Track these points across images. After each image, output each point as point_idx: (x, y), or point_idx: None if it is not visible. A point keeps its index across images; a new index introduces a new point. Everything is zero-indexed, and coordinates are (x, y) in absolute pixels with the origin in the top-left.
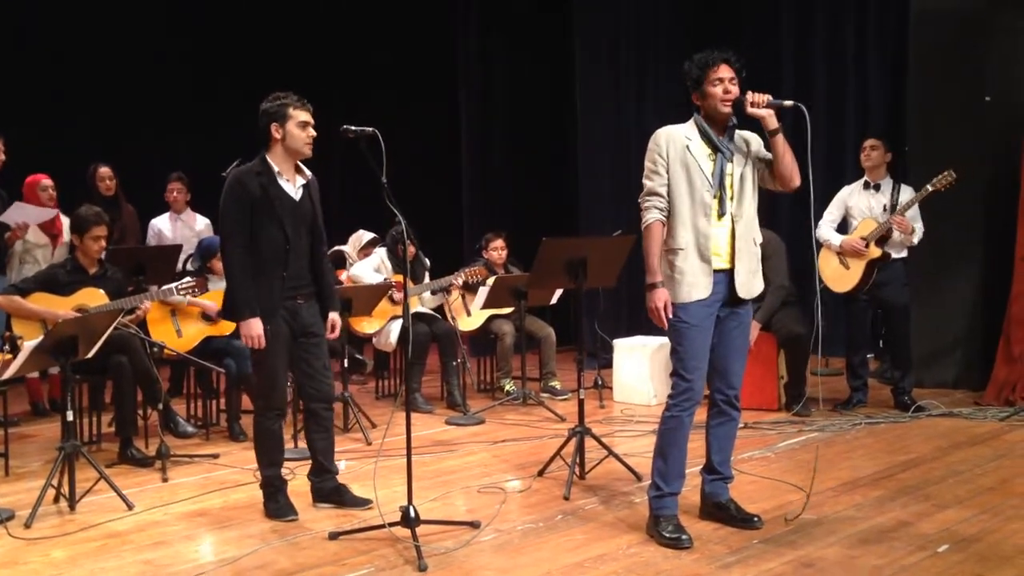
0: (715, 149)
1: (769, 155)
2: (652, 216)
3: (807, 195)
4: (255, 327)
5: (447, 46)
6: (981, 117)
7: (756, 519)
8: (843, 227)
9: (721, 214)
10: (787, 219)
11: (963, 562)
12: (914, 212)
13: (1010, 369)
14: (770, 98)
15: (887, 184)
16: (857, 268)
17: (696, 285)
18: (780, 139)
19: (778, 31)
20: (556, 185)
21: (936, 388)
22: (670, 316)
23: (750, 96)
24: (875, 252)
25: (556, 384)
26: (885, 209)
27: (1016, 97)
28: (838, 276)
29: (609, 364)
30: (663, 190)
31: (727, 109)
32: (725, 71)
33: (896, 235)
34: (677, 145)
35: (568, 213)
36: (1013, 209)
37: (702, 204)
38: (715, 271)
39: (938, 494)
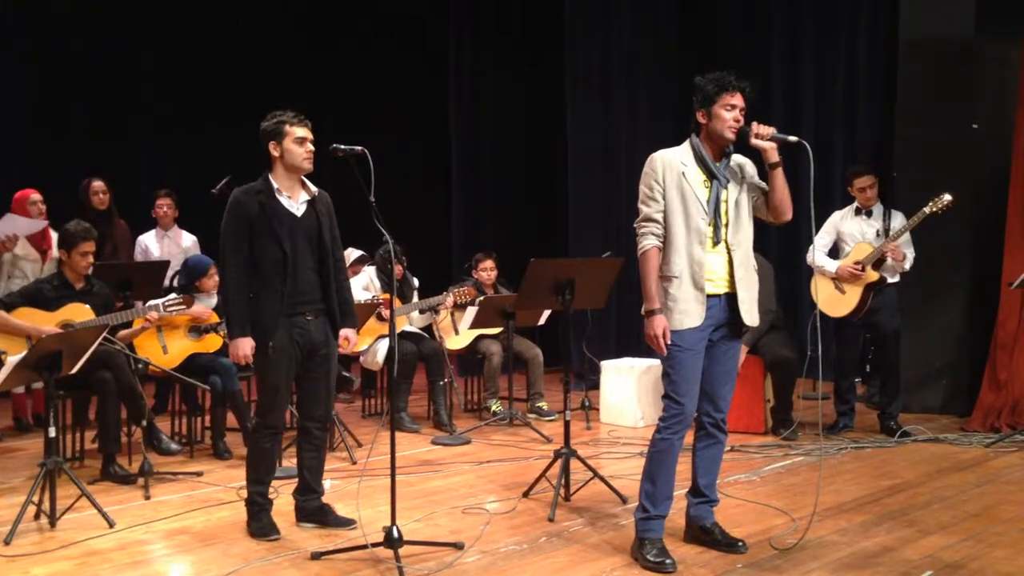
0: (710, 175)
1: (763, 184)
2: (649, 243)
3: (808, 226)
4: (243, 346)
5: (438, 66)
6: (968, 144)
7: (741, 544)
8: (833, 252)
9: (716, 242)
10: (775, 244)
11: None
12: (906, 238)
13: (996, 395)
14: (775, 131)
15: (878, 210)
16: (854, 293)
17: (688, 313)
18: (780, 173)
19: (767, 58)
20: (545, 206)
21: (922, 413)
22: (669, 343)
23: (755, 127)
24: (873, 276)
25: (543, 405)
26: (878, 234)
27: (1003, 124)
28: (833, 301)
29: (597, 385)
30: (660, 216)
31: (732, 136)
32: (739, 100)
33: (889, 260)
34: (673, 171)
35: (557, 234)
36: (1000, 235)
37: (697, 232)
38: (710, 296)
39: (923, 520)
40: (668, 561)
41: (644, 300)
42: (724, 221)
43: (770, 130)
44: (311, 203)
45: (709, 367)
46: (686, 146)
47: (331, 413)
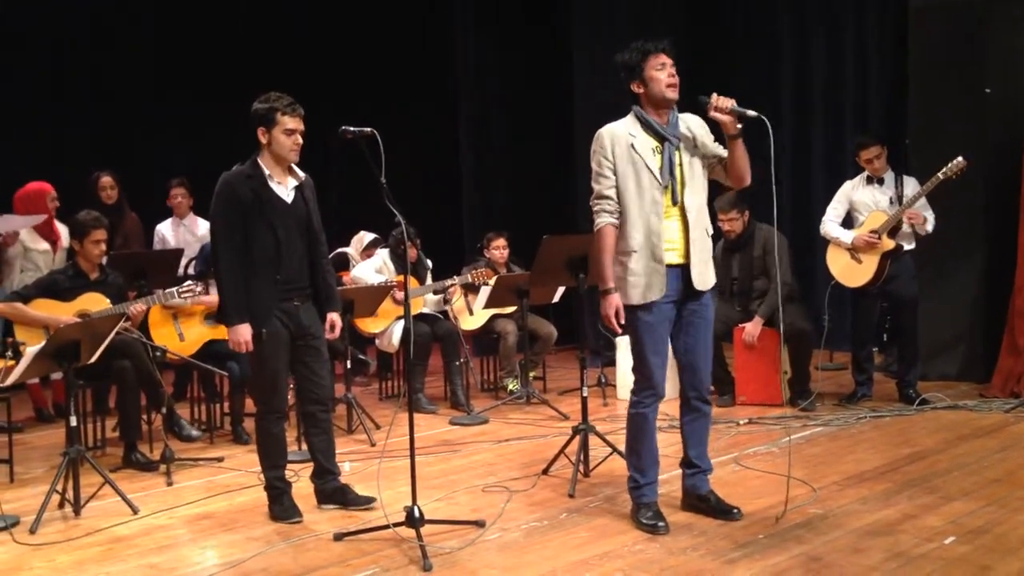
0: (660, 139)
1: (717, 149)
2: (603, 220)
3: (771, 199)
4: (243, 332)
5: (445, 46)
6: (982, 109)
7: (736, 511)
8: (847, 223)
9: (674, 203)
10: (788, 216)
11: (970, 554)
12: (922, 202)
13: (1015, 360)
14: (734, 103)
15: (890, 177)
16: (871, 262)
17: (651, 287)
18: (739, 143)
19: (777, 24)
20: (555, 184)
21: (940, 381)
22: (622, 322)
23: (715, 99)
24: (889, 244)
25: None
26: (892, 202)
27: (1016, 89)
28: (850, 271)
29: (612, 362)
30: (612, 192)
31: (674, 94)
32: (666, 58)
33: (906, 227)
34: (622, 144)
35: (567, 211)
36: (1015, 200)
37: (652, 203)
38: (669, 266)
39: (944, 486)
40: (661, 524)
41: (599, 280)
42: (680, 184)
43: (729, 102)
44: (299, 189)
45: (684, 340)
46: (631, 117)
47: (332, 394)
